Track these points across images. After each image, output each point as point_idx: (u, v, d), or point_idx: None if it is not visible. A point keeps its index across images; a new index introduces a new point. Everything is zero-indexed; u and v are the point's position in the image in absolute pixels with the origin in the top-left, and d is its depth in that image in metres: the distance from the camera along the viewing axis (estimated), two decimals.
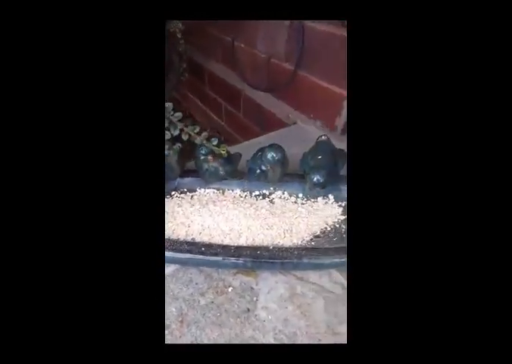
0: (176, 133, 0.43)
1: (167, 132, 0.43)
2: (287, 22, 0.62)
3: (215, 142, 0.42)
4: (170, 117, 0.43)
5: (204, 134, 0.43)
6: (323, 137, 0.45)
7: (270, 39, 0.69)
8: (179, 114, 0.43)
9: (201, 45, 0.99)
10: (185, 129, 0.43)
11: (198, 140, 0.43)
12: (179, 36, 0.81)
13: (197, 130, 0.44)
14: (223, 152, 0.43)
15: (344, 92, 0.56)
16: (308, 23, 0.58)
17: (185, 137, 0.43)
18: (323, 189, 0.42)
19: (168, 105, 0.43)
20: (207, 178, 0.45)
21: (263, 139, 0.65)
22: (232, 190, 0.47)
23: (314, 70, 0.61)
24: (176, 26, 0.79)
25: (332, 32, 0.54)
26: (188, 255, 0.34)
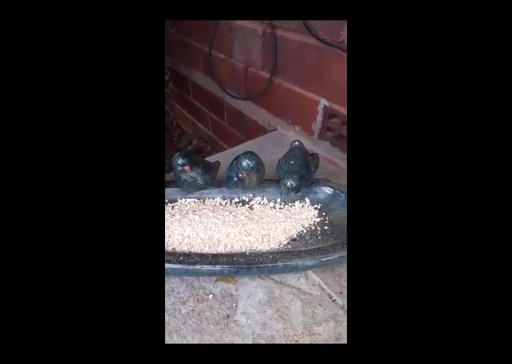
0: None
1: None
2: (260, 32, 0.64)
3: None
4: None
5: None
6: (296, 143, 0.47)
7: (245, 48, 0.71)
8: None
9: (183, 56, 1.01)
10: None
11: None
12: None
13: None
14: None
15: (317, 97, 0.58)
16: (280, 33, 0.60)
17: None
18: (298, 193, 0.43)
19: None
20: (186, 188, 0.46)
21: (246, 146, 0.67)
22: (213, 199, 0.48)
23: (289, 77, 0.63)
24: None
25: (303, 41, 0.56)
26: (167, 265, 0.35)
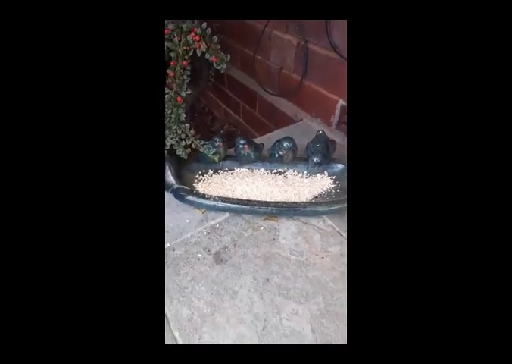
0: (189, 142, 0.61)
1: (182, 140, 0.61)
2: (295, 43, 0.82)
3: (212, 152, 0.62)
4: (187, 132, 0.60)
5: (207, 146, 0.62)
6: (320, 132, 0.66)
7: (281, 54, 0.89)
8: (187, 126, 0.60)
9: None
10: (194, 141, 0.62)
11: (201, 149, 0.62)
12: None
13: (201, 142, 0.63)
14: (216, 159, 0.63)
15: (337, 98, 0.76)
16: (310, 46, 0.78)
17: (194, 146, 0.62)
18: (320, 166, 0.63)
19: (185, 125, 0.59)
20: (243, 161, 0.66)
21: (279, 133, 0.86)
22: (259, 169, 0.68)
23: (316, 80, 0.81)
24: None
25: (329, 55, 0.74)
26: (237, 206, 0.56)
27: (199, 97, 1.59)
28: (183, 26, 0.46)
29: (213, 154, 0.62)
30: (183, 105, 0.55)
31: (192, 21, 0.45)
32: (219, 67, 0.50)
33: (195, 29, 0.46)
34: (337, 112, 0.78)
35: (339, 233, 0.57)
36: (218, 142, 0.63)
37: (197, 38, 0.47)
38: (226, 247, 0.55)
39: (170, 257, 0.52)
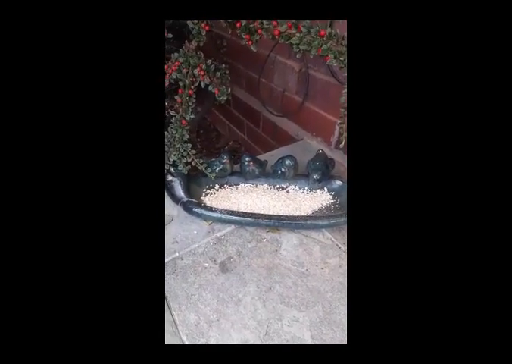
0: (189, 160, 0.66)
1: (184, 158, 0.64)
2: (297, 69, 0.89)
3: (209, 170, 0.67)
4: (188, 150, 0.65)
5: (205, 165, 0.66)
6: (320, 151, 0.71)
7: (283, 78, 0.96)
8: (189, 145, 0.65)
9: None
10: (194, 159, 0.67)
11: (200, 167, 0.67)
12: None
13: (201, 161, 0.67)
14: (213, 177, 0.67)
15: (336, 119, 0.82)
16: (311, 72, 0.84)
17: (193, 163, 0.67)
18: (320, 183, 0.68)
19: (187, 145, 0.64)
20: (248, 176, 0.71)
21: (281, 151, 0.91)
22: (262, 184, 0.73)
23: (316, 103, 0.87)
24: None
25: (328, 80, 0.80)
26: (242, 218, 0.60)
27: (205, 115, 1.66)
28: (191, 60, 0.52)
29: (218, 170, 0.67)
30: (187, 127, 0.61)
31: (199, 58, 0.51)
32: (220, 98, 0.56)
33: (201, 64, 0.52)
34: (336, 132, 0.83)
35: (338, 245, 0.61)
36: (225, 159, 0.67)
37: (202, 72, 0.53)
38: (231, 257, 0.58)
39: (178, 266, 0.56)
